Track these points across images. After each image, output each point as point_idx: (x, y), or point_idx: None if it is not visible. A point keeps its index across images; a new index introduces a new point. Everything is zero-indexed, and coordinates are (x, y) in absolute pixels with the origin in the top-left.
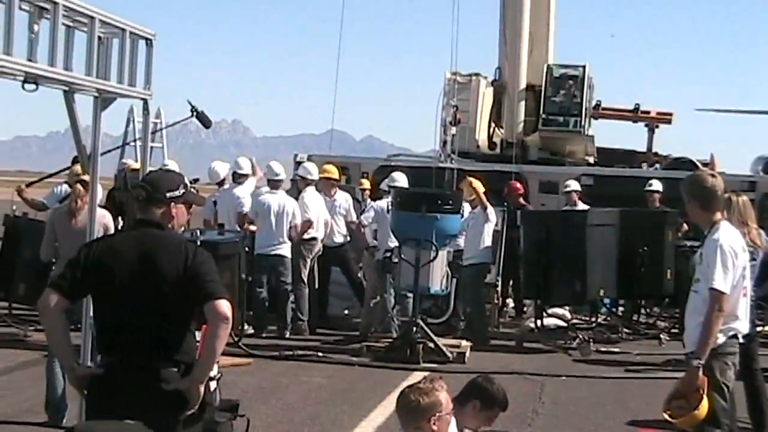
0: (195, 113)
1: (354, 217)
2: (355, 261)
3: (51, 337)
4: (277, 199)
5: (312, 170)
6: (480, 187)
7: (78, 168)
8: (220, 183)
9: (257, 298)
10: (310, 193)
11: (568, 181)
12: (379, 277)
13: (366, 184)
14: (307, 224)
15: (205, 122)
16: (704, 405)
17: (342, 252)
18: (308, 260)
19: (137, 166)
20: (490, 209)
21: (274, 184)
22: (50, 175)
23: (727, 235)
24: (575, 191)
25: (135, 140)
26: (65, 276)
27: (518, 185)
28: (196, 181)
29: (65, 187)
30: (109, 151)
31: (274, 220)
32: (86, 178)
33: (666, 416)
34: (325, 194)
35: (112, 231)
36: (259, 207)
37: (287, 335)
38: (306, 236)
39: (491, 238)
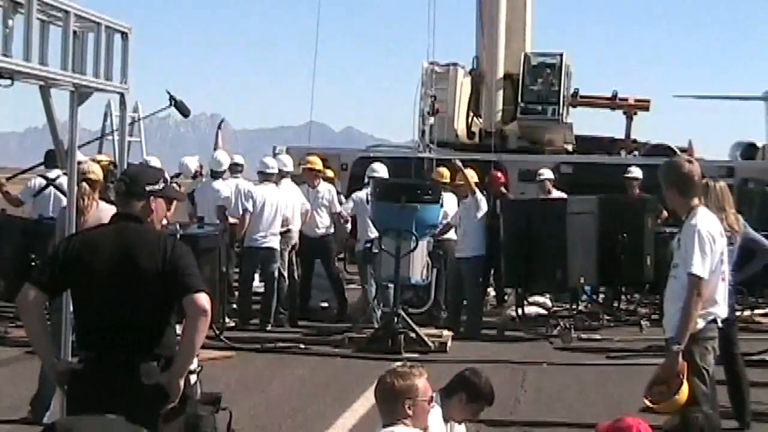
0: (173, 102)
1: (338, 209)
2: (336, 253)
3: (30, 333)
4: (269, 192)
5: (286, 162)
6: (472, 175)
7: (85, 166)
8: (194, 176)
9: (246, 290)
10: (285, 185)
11: (541, 170)
12: (359, 267)
13: (324, 169)
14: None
15: (184, 111)
16: (684, 390)
17: (324, 243)
18: (285, 252)
19: (102, 158)
20: (479, 196)
21: (265, 176)
22: (26, 171)
23: (705, 221)
24: (548, 179)
25: (112, 133)
26: (44, 271)
27: (499, 174)
28: (177, 176)
29: (39, 180)
30: (87, 143)
31: (266, 213)
32: (92, 176)
33: (647, 402)
34: (309, 185)
35: None
36: (253, 199)
37: (269, 328)
38: (282, 228)
39: (483, 227)
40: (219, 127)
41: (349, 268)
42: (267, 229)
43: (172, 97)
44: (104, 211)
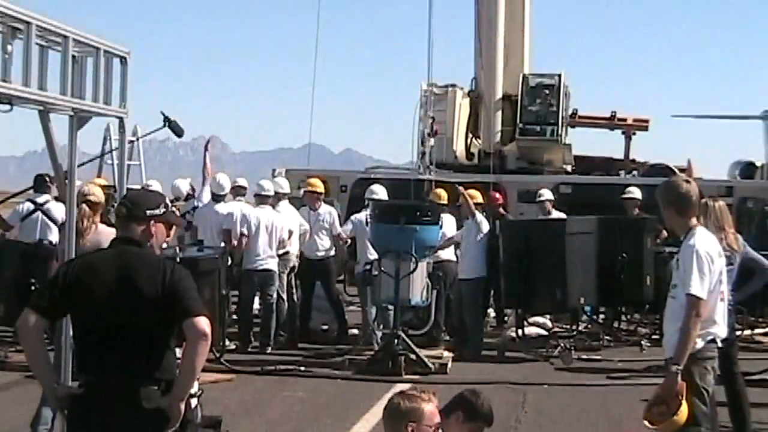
0: (167, 123)
1: (339, 231)
2: (338, 274)
3: (30, 357)
4: (265, 215)
5: (283, 184)
6: (474, 196)
7: (86, 188)
8: (186, 198)
9: (246, 313)
10: (283, 207)
11: (541, 190)
12: (359, 289)
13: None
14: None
15: (178, 131)
16: (683, 410)
17: (323, 265)
18: (284, 275)
19: (103, 182)
20: (480, 218)
21: (262, 199)
22: (15, 194)
23: (703, 241)
24: (548, 200)
25: (111, 154)
26: (44, 295)
27: (498, 195)
28: (176, 200)
29: (28, 204)
30: (84, 163)
31: (262, 235)
32: (93, 198)
33: (646, 423)
34: (310, 207)
35: None
36: (249, 222)
37: (269, 350)
38: (280, 251)
39: (482, 248)
40: (206, 149)
41: (348, 290)
42: (265, 252)
43: (166, 118)
44: (103, 234)
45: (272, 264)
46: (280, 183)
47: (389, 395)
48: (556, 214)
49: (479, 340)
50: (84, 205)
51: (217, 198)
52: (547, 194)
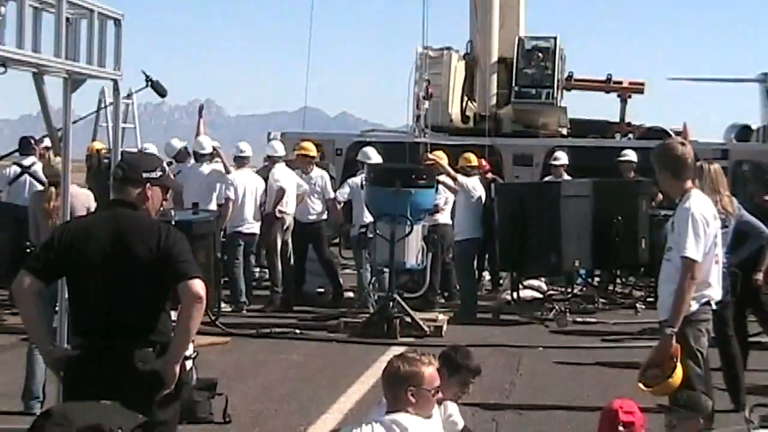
0: (150, 83)
1: (331, 194)
2: (330, 238)
3: (26, 319)
4: (247, 178)
5: (278, 148)
6: (470, 159)
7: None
8: (179, 159)
9: (235, 274)
10: (279, 168)
11: (557, 153)
12: (354, 252)
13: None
14: (281, 192)
15: (160, 91)
16: (678, 372)
17: (315, 229)
18: (279, 234)
19: (101, 145)
20: (463, 180)
21: (241, 161)
22: (1, 158)
23: (698, 203)
24: (563, 165)
25: (106, 117)
26: (39, 258)
27: (484, 163)
28: (170, 164)
29: (14, 168)
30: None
31: (248, 198)
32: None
33: (641, 386)
34: (302, 171)
35: None
36: (234, 186)
37: (244, 310)
38: (277, 211)
39: (474, 211)
40: (200, 114)
41: (344, 253)
42: (250, 214)
43: (148, 78)
44: (77, 197)
45: (256, 227)
46: (275, 146)
47: (385, 358)
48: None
49: (472, 303)
50: (52, 188)
51: (198, 158)
52: (563, 158)
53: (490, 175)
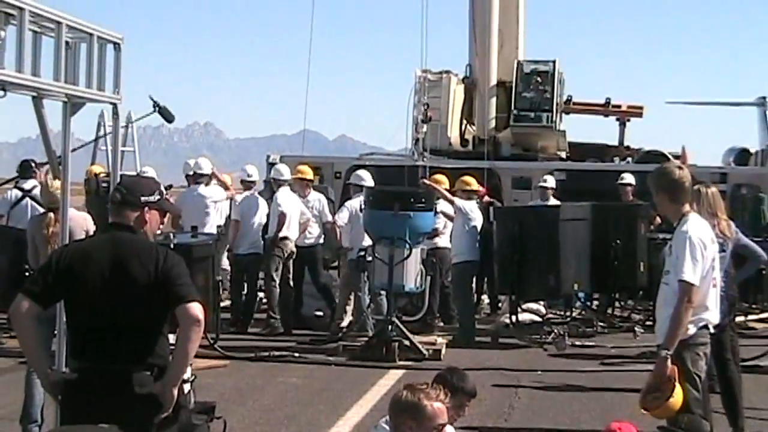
0: (157, 108)
1: (329, 218)
2: (329, 261)
3: (24, 343)
4: (255, 201)
5: (284, 171)
6: (470, 183)
7: (54, 185)
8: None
9: (240, 296)
10: (283, 192)
11: (545, 176)
12: (352, 276)
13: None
14: (282, 218)
15: (168, 117)
16: (677, 393)
17: (312, 252)
18: (279, 259)
19: (100, 169)
20: (460, 203)
21: (247, 185)
22: (4, 183)
23: (696, 227)
24: (551, 188)
25: (105, 140)
26: (37, 282)
27: (480, 188)
28: (170, 187)
29: (15, 192)
30: (78, 148)
31: (254, 220)
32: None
33: (643, 411)
34: (299, 195)
35: None
36: (240, 208)
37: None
38: (280, 235)
39: (471, 233)
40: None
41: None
42: (255, 237)
43: (155, 103)
44: (74, 220)
45: (260, 249)
46: (280, 170)
47: (383, 381)
48: (553, 202)
49: (470, 326)
50: (50, 214)
51: (197, 179)
52: (550, 181)
53: (487, 198)
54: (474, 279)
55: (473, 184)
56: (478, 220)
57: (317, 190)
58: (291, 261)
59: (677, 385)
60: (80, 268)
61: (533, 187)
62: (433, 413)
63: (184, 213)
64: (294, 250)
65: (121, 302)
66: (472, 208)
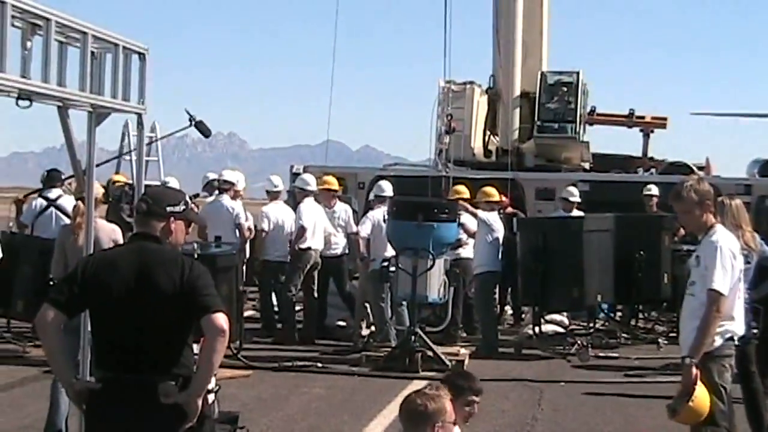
0: (193, 122)
1: (354, 228)
2: (354, 272)
3: (49, 352)
4: (281, 210)
5: (310, 181)
6: (492, 194)
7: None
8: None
9: (266, 303)
10: (307, 204)
11: (569, 188)
12: (375, 286)
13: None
14: (301, 231)
15: (205, 131)
16: (700, 395)
17: (338, 263)
18: (301, 270)
19: (120, 178)
20: (483, 215)
21: (273, 195)
22: (30, 194)
23: (725, 238)
24: (576, 202)
25: (130, 153)
26: (62, 291)
27: (503, 198)
28: (196, 196)
29: (40, 201)
30: (102, 163)
31: (283, 229)
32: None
33: (671, 418)
34: (325, 205)
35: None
36: (266, 219)
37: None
38: (302, 245)
39: (493, 244)
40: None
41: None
42: (284, 244)
43: (191, 117)
44: (102, 230)
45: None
46: (306, 180)
47: (407, 392)
48: (576, 214)
49: (493, 337)
50: (79, 202)
51: (222, 191)
52: (575, 194)
53: (510, 209)
54: (497, 290)
55: (495, 195)
56: (500, 231)
57: (342, 200)
58: (316, 272)
59: (701, 387)
60: (106, 278)
61: (557, 197)
62: (451, 410)
63: (209, 223)
64: (318, 261)
65: (147, 312)
66: (494, 219)
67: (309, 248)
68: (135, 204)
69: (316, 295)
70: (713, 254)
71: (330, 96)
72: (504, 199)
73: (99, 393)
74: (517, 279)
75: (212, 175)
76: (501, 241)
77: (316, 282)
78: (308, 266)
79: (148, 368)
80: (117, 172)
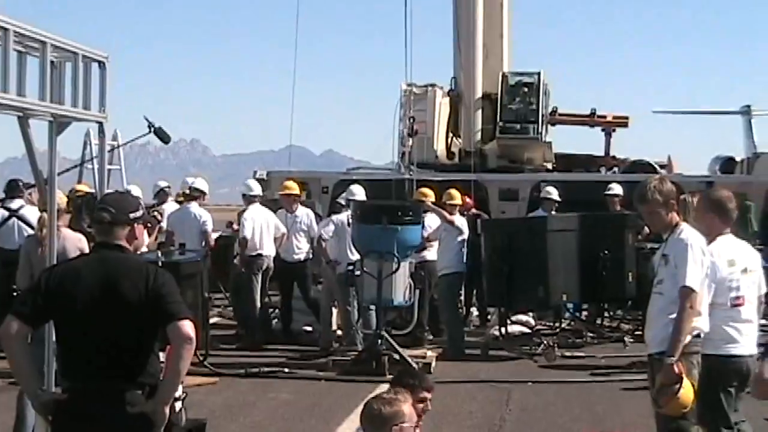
0: (152, 129)
1: (317, 233)
2: (318, 277)
3: (14, 364)
4: (259, 212)
5: (254, 187)
6: (454, 196)
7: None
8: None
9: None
10: (252, 210)
11: (548, 188)
12: (341, 290)
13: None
14: (243, 242)
15: (164, 137)
16: (686, 387)
17: (301, 268)
18: (256, 276)
19: (84, 188)
20: (448, 217)
21: (250, 199)
22: None
23: (694, 235)
24: (556, 201)
25: (92, 161)
26: (26, 302)
27: (467, 199)
28: (158, 204)
29: (2, 212)
30: (65, 171)
31: (265, 231)
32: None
33: (656, 408)
34: (286, 210)
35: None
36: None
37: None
38: (252, 253)
39: (458, 246)
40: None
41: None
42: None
43: (150, 124)
44: (68, 240)
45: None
46: (250, 185)
47: (373, 395)
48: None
49: (459, 338)
50: (44, 213)
51: (191, 198)
52: (554, 194)
53: (474, 211)
54: (462, 291)
55: (458, 197)
56: (465, 233)
57: (304, 205)
58: (264, 277)
59: (686, 380)
60: (70, 288)
61: (520, 198)
62: (410, 413)
63: (176, 230)
64: (271, 266)
65: (112, 321)
66: (459, 221)
67: (260, 255)
68: (95, 214)
69: (264, 301)
70: (683, 252)
71: (292, 101)
72: (468, 200)
73: (65, 403)
74: (482, 280)
75: (163, 183)
76: (465, 242)
77: (266, 289)
78: (261, 271)
79: (114, 377)
80: (79, 182)
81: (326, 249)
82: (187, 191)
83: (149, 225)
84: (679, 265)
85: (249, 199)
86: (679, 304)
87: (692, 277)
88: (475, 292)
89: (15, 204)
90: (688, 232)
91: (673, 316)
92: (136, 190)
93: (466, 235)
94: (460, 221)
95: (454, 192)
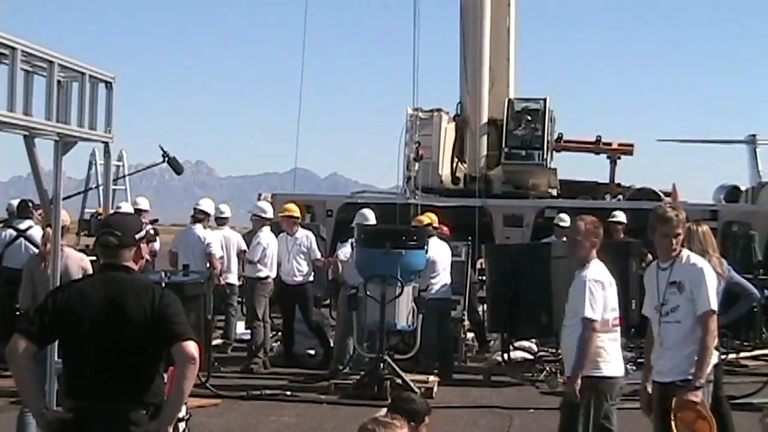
0: (167, 159)
1: (318, 255)
2: (321, 299)
3: (20, 383)
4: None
5: (266, 209)
6: (432, 219)
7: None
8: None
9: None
10: (265, 232)
11: (561, 215)
12: (343, 312)
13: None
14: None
15: (177, 168)
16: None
17: (301, 291)
18: (263, 298)
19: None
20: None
21: (261, 221)
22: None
23: (703, 260)
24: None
25: (96, 177)
26: (33, 322)
27: (444, 228)
28: (155, 221)
29: (9, 232)
30: (70, 196)
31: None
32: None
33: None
34: (287, 232)
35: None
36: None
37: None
38: (260, 275)
39: (448, 271)
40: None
41: (335, 314)
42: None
43: (165, 153)
44: (71, 259)
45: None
46: (262, 207)
47: None
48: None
49: (449, 362)
50: (48, 230)
51: (197, 220)
52: (566, 220)
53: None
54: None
55: (426, 221)
56: (448, 257)
57: (308, 227)
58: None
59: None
60: (77, 308)
61: (524, 224)
62: None
63: (180, 252)
64: (273, 289)
65: (117, 341)
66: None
67: (268, 277)
68: (100, 237)
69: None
70: (699, 277)
71: (298, 124)
72: (445, 229)
73: (70, 423)
74: (474, 305)
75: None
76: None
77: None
78: (268, 294)
79: (118, 397)
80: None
81: (343, 271)
82: (219, 215)
83: (150, 242)
84: (696, 291)
85: (261, 221)
86: (705, 327)
87: (714, 300)
88: (466, 315)
89: (24, 224)
90: (697, 257)
91: (695, 344)
92: (144, 203)
93: (448, 257)
94: (436, 244)
95: (422, 217)
